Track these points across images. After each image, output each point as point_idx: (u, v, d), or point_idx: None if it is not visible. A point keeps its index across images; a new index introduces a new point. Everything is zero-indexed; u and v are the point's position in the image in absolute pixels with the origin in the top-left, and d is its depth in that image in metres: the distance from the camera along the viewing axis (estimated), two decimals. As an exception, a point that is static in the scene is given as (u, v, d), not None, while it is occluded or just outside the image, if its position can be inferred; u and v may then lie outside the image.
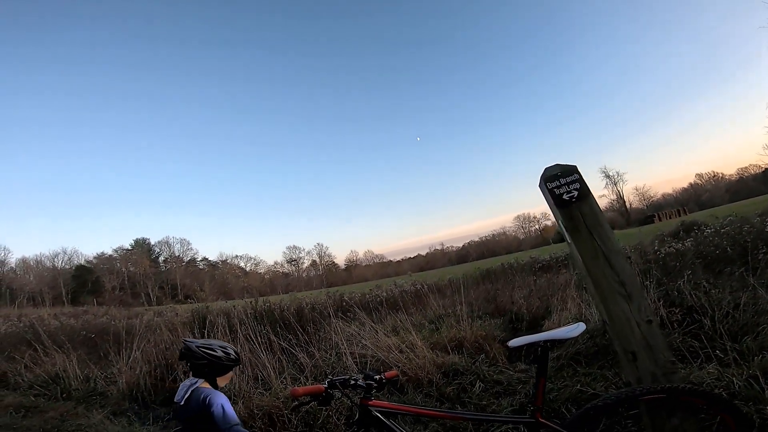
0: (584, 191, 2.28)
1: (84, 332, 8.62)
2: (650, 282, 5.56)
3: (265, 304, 8.14)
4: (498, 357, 5.44)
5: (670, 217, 57.50)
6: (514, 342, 2.07)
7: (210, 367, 2.27)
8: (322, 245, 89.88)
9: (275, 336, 5.99)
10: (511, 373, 4.84)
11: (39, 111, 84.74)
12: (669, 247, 8.33)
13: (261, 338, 5.48)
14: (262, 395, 4.51)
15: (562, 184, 2.32)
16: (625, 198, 75.33)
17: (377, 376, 2.12)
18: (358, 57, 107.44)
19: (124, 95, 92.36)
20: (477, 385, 4.57)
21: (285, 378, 4.92)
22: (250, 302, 8.29)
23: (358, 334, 6.01)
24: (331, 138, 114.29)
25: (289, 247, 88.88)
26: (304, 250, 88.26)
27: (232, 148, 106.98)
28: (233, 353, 2.38)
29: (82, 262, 69.88)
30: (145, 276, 73.03)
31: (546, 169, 2.37)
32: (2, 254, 60.87)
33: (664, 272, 6.51)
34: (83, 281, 65.96)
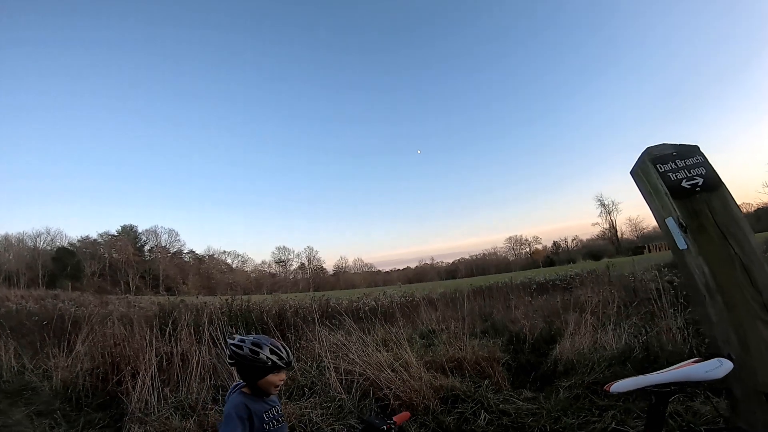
0: (712, 179, 1.67)
1: (36, 318, 7.74)
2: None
3: (242, 304, 7.36)
4: (502, 382, 4.78)
5: (659, 250, 57.87)
6: (622, 385, 1.41)
7: (239, 367, 1.95)
8: (312, 248, 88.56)
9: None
10: (519, 402, 4.18)
11: (38, 94, 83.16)
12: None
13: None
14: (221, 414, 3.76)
15: (680, 168, 1.70)
16: (617, 227, 76.00)
17: (384, 426, 1.45)
18: (362, 56, 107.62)
19: (123, 83, 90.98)
20: (482, 415, 3.90)
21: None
22: (226, 300, 7.50)
23: (345, 345, 5.29)
24: (329, 141, 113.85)
25: (278, 248, 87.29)
26: (293, 251, 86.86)
27: (228, 142, 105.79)
28: (268, 354, 1.92)
29: (65, 244, 67.92)
30: (128, 264, 71.08)
31: (650, 148, 1.74)
32: (-17, 230, 58.83)
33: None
34: (63, 264, 63.89)
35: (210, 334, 4.98)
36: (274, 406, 1.98)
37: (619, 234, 75.98)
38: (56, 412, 4.46)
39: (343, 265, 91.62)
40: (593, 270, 18.31)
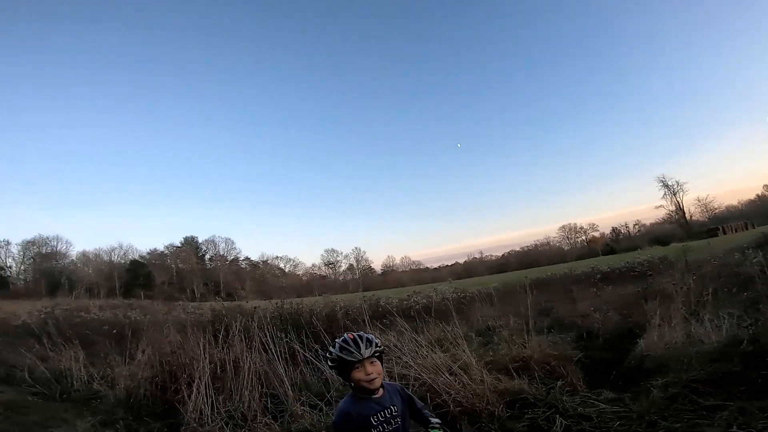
0: None
1: (106, 327, 8.24)
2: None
3: (292, 307, 7.29)
4: (576, 383, 4.22)
5: (735, 231, 52.01)
6: None
7: (334, 371, 1.97)
8: (360, 249, 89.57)
9: (299, 344, 5.11)
10: (601, 405, 3.62)
11: (102, 112, 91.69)
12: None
13: (280, 347, 4.61)
14: (270, 427, 3.58)
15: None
16: (684, 209, 69.00)
17: None
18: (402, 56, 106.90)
19: (172, 92, 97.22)
20: (557, 421, 3.40)
21: (305, 399, 3.99)
22: (275, 303, 7.47)
23: (397, 346, 4.98)
24: (373, 142, 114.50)
25: (327, 250, 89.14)
26: (341, 253, 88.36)
27: (276, 149, 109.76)
28: (337, 352, 1.85)
29: (136, 257, 74.20)
30: (192, 272, 76.26)
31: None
32: (64, 247, 65.83)
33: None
34: (136, 275, 69.88)
35: (260, 339, 4.88)
36: (387, 408, 1.84)
37: (687, 216, 68.99)
38: (119, 422, 4.56)
39: (391, 263, 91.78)
40: (664, 256, 16.57)
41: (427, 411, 2.20)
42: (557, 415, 3.46)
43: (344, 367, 1.84)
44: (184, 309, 12.84)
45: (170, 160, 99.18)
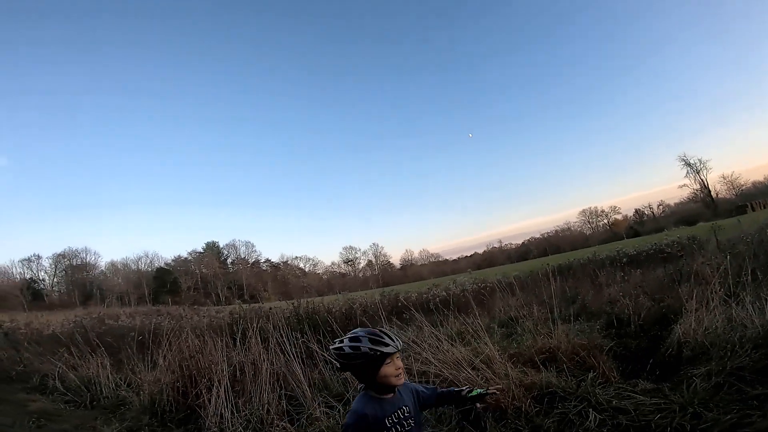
0: None
1: (132, 333, 8.40)
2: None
3: (308, 306, 7.21)
4: (609, 374, 3.96)
5: (764, 207, 49.62)
6: None
7: (351, 370, 1.78)
8: (377, 245, 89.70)
9: (317, 344, 5.01)
10: (639, 397, 3.36)
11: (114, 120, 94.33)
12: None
13: (296, 347, 4.51)
14: (287, 430, 3.48)
15: None
16: (710, 187, 66.26)
17: None
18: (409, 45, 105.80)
19: (184, 97, 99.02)
20: (591, 415, 3.17)
21: (323, 400, 3.88)
22: (292, 303, 7.42)
23: (416, 342, 4.81)
24: (382, 136, 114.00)
25: (345, 248, 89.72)
26: (359, 250, 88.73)
27: (290, 148, 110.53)
28: (370, 345, 1.70)
29: (162, 264, 76.38)
30: (215, 277, 78.01)
31: None
32: (93, 258, 68.35)
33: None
34: (163, 282, 72.01)
35: (276, 340, 4.80)
36: (401, 407, 1.76)
37: (713, 194, 66.30)
38: (144, 429, 4.58)
39: (410, 257, 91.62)
40: (693, 236, 15.82)
41: (441, 388, 2.19)
42: (590, 409, 3.23)
43: (374, 363, 1.70)
44: (207, 313, 13.02)
45: (187, 167, 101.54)
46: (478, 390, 2.20)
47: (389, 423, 1.68)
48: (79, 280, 65.15)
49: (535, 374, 3.90)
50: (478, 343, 4.75)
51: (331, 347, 1.82)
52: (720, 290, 4.52)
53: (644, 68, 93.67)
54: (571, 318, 6.24)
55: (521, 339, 5.41)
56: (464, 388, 2.21)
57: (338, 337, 1.85)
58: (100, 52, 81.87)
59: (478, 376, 3.86)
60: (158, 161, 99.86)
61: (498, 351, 4.41)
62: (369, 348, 1.69)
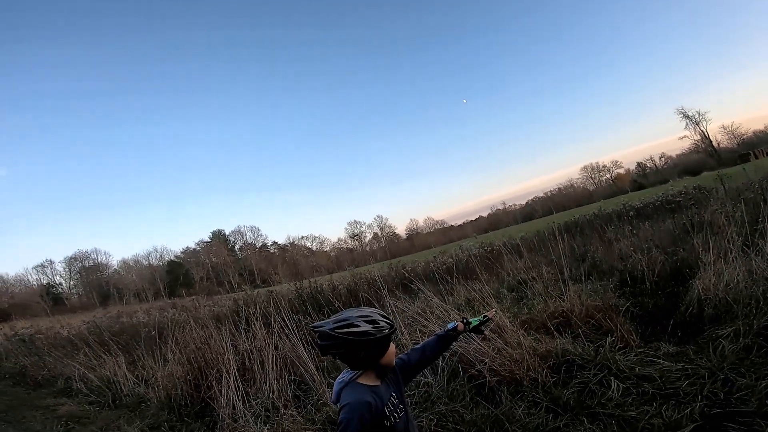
0: None
1: (146, 329, 8.39)
2: None
3: (311, 286, 7.07)
4: (628, 337, 3.78)
5: (767, 155, 49.19)
6: None
7: (347, 352, 1.54)
8: (382, 217, 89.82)
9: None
10: (663, 362, 3.17)
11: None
12: None
13: (301, 330, 4.37)
14: (294, 419, 3.36)
15: None
16: (711, 138, 65.42)
17: None
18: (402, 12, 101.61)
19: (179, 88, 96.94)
20: (613, 384, 3.00)
21: (330, 381, 3.74)
22: (295, 285, 7.28)
23: (423, 315, 4.65)
24: (378, 104, 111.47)
25: (350, 223, 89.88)
26: (364, 223, 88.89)
27: (284, 123, 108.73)
28: (383, 320, 1.59)
29: (172, 257, 77.14)
30: (226, 265, 78.87)
31: None
32: (105, 258, 69.12)
33: None
34: (176, 275, 72.96)
35: (279, 324, 4.66)
36: (393, 393, 1.62)
37: (715, 144, 65.77)
38: (164, 425, 4.55)
39: (415, 227, 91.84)
40: (698, 186, 15.40)
41: (430, 339, 2.00)
42: (611, 377, 3.06)
43: (387, 341, 1.59)
44: (216, 302, 13.05)
45: (184, 158, 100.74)
46: (476, 320, 2.10)
47: (388, 411, 1.54)
48: (95, 281, 66.16)
49: (550, 341, 3.73)
50: (487, 310, 4.57)
51: (316, 331, 1.56)
52: (738, 240, 4.25)
53: (640, 20, 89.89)
54: (583, 277, 6.04)
55: (532, 303, 5.23)
56: (453, 325, 2.02)
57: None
58: (93, 49, 79.58)
59: (489, 346, 3.69)
60: (154, 155, 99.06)
61: (509, 318, 4.23)
62: (387, 323, 1.57)
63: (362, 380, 1.56)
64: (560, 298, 4.77)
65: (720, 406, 2.50)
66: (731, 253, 4.13)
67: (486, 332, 2.12)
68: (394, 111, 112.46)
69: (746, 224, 4.56)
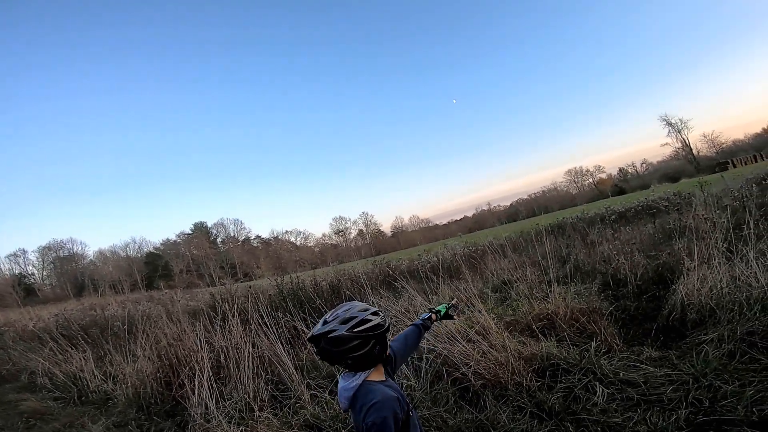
0: None
1: (118, 323, 8.02)
2: None
3: (292, 282, 6.88)
4: (612, 342, 3.74)
5: (745, 164, 51.31)
6: None
7: (380, 343, 1.48)
8: (368, 214, 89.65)
9: (302, 323, 4.71)
10: (647, 367, 3.14)
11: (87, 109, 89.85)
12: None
13: (280, 327, 4.20)
14: (269, 422, 3.21)
15: None
16: (691, 145, 67.77)
17: None
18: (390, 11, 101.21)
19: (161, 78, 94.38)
20: (598, 389, 2.95)
21: (313, 383, 3.62)
22: (275, 280, 7.07)
23: (407, 313, 4.54)
24: (366, 101, 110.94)
25: (335, 218, 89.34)
26: (350, 220, 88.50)
27: (270, 117, 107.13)
28: (376, 308, 1.55)
29: (151, 249, 75.17)
30: (207, 257, 77.34)
31: None
32: (80, 248, 66.83)
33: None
34: (155, 267, 71.15)
35: (257, 321, 4.48)
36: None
37: (695, 152, 68.29)
38: (131, 423, 4.31)
39: (400, 224, 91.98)
40: (678, 192, 15.79)
41: (408, 329, 1.96)
42: (596, 382, 3.01)
43: (384, 336, 1.51)
44: (195, 296, 12.69)
45: (166, 147, 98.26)
46: (442, 306, 2.15)
47: (408, 406, 1.46)
48: (69, 271, 63.92)
49: (535, 344, 3.67)
50: (471, 311, 4.49)
51: (357, 329, 1.41)
52: (723, 245, 4.27)
53: (624, 25, 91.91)
54: (567, 279, 6.04)
55: (516, 304, 5.18)
56: (426, 315, 2.05)
57: (322, 314, 1.53)
58: (77, 40, 76.55)
59: (473, 349, 3.61)
60: (136, 143, 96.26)
61: (493, 320, 4.16)
62: (383, 319, 1.51)
63: (373, 378, 1.46)
64: (545, 299, 4.73)
65: (706, 413, 2.46)
66: (715, 258, 4.14)
67: (455, 317, 2.12)
68: (383, 109, 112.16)
69: (730, 230, 4.59)
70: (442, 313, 2.11)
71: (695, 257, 4.26)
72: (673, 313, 3.93)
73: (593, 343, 3.52)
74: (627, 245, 7.34)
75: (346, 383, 1.44)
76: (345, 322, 1.42)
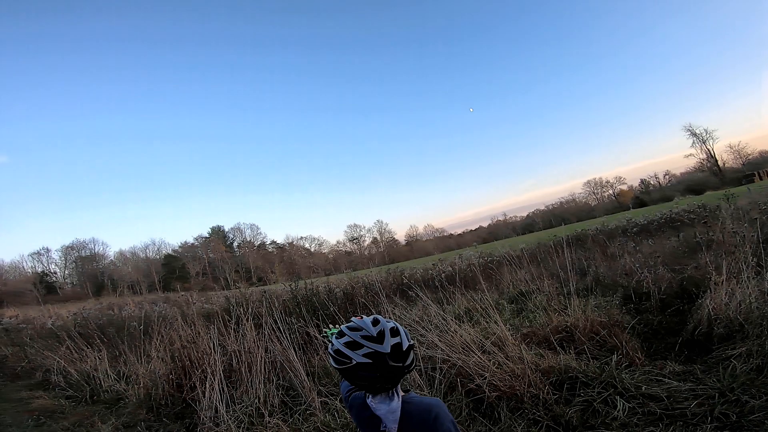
0: None
1: (134, 324, 8.17)
2: None
3: (306, 288, 6.88)
4: (633, 355, 3.60)
5: None
6: None
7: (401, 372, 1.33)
8: (382, 222, 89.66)
9: (315, 329, 4.70)
10: (671, 381, 3.00)
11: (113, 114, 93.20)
12: None
13: (293, 333, 4.19)
14: (279, 428, 3.19)
15: None
16: (717, 157, 65.50)
17: None
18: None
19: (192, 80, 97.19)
20: (619, 403, 2.83)
21: (324, 390, 3.59)
22: (290, 286, 7.09)
23: (421, 323, 4.47)
24: (383, 110, 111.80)
25: (350, 226, 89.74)
26: (364, 227, 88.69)
27: (291, 127, 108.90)
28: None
29: (170, 251, 76.81)
30: (222, 261, 78.49)
31: None
32: (102, 249, 68.75)
33: None
34: (171, 269, 72.58)
35: (271, 326, 4.48)
36: None
37: (720, 163, 65.85)
38: (140, 424, 4.34)
39: (414, 233, 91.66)
40: (702, 204, 15.30)
41: None
42: (617, 396, 2.89)
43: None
44: (210, 298, 12.85)
45: (189, 153, 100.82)
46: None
47: None
48: (90, 271, 65.79)
49: (553, 357, 3.56)
50: (487, 322, 4.40)
51: (409, 347, 1.31)
52: (752, 259, 4.09)
53: (650, 36, 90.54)
54: (587, 292, 5.86)
55: (533, 316, 5.06)
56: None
57: (336, 321, 1.46)
58: (94, 41, 79.90)
59: (489, 360, 3.52)
60: (159, 148, 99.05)
61: (510, 331, 4.06)
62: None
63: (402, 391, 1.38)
64: (563, 312, 4.60)
65: (732, 428, 2.35)
66: (744, 273, 3.96)
67: None
68: (399, 118, 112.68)
69: (760, 244, 4.40)
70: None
71: (723, 271, 4.08)
72: (699, 327, 3.77)
73: (614, 357, 3.40)
74: (650, 258, 7.11)
75: (389, 404, 1.32)
76: (397, 333, 1.32)
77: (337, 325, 2.03)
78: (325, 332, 1.96)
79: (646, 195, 70.50)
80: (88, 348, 6.54)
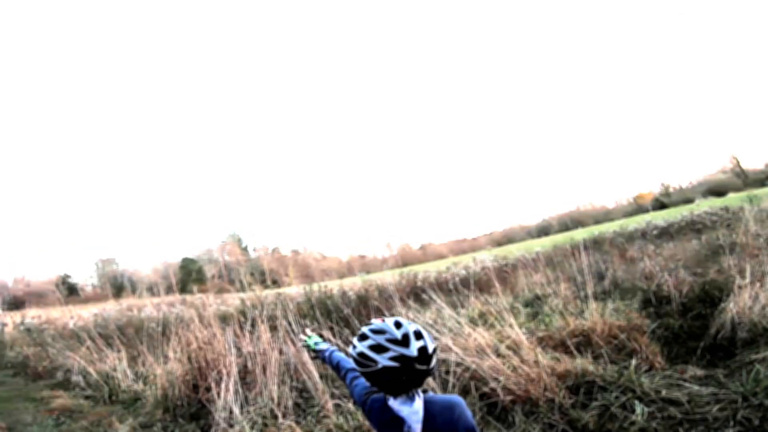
0: None
1: (153, 324, 8.38)
2: None
3: (320, 291, 6.94)
4: (653, 359, 3.52)
5: None
6: None
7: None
8: (395, 224, 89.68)
9: (329, 331, 4.74)
10: (692, 386, 2.93)
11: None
12: None
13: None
14: (292, 430, 3.22)
15: None
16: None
17: None
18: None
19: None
20: (638, 407, 2.77)
21: (337, 392, 3.61)
22: (304, 288, 7.17)
23: (434, 326, 4.46)
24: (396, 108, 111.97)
25: (362, 229, 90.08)
26: (377, 230, 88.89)
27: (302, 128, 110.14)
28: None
29: (187, 254, 78.43)
30: (238, 264, 79.77)
31: None
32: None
33: None
34: (189, 271, 74.13)
35: (285, 329, 4.54)
36: None
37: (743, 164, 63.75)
38: (156, 424, 4.45)
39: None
40: (725, 207, 14.83)
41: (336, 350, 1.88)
42: (635, 400, 2.83)
43: None
44: (226, 300, 13.07)
45: (205, 156, 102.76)
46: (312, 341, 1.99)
47: None
48: (109, 272, 67.60)
49: (569, 361, 3.50)
50: (502, 325, 4.35)
51: (433, 351, 1.31)
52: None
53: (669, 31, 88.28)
54: (604, 295, 5.75)
55: (549, 319, 4.99)
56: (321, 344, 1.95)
57: (351, 323, 1.47)
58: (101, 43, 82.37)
59: (504, 363, 3.48)
60: (179, 153, 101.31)
61: (525, 334, 4.01)
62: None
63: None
64: (580, 315, 4.53)
65: (754, 432, 2.27)
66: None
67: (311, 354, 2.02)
68: (412, 117, 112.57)
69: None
70: (311, 347, 1.95)
71: (747, 274, 3.96)
72: (722, 331, 3.67)
73: (633, 361, 3.32)
74: (671, 261, 6.94)
75: (411, 405, 1.31)
76: (421, 335, 1.31)
77: (314, 332, 2.02)
78: (304, 340, 1.99)
79: (666, 197, 68.84)
80: (107, 348, 6.72)
